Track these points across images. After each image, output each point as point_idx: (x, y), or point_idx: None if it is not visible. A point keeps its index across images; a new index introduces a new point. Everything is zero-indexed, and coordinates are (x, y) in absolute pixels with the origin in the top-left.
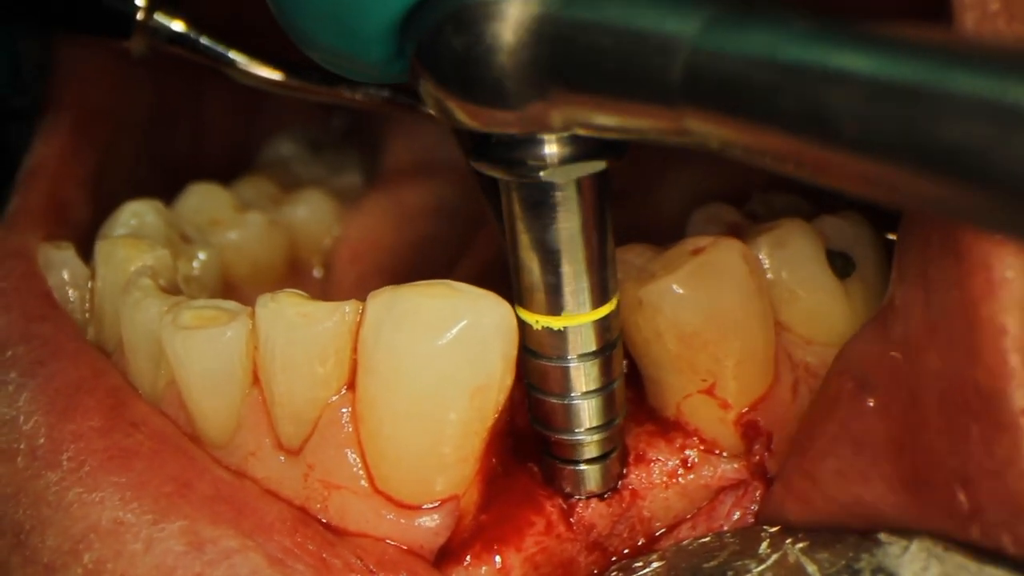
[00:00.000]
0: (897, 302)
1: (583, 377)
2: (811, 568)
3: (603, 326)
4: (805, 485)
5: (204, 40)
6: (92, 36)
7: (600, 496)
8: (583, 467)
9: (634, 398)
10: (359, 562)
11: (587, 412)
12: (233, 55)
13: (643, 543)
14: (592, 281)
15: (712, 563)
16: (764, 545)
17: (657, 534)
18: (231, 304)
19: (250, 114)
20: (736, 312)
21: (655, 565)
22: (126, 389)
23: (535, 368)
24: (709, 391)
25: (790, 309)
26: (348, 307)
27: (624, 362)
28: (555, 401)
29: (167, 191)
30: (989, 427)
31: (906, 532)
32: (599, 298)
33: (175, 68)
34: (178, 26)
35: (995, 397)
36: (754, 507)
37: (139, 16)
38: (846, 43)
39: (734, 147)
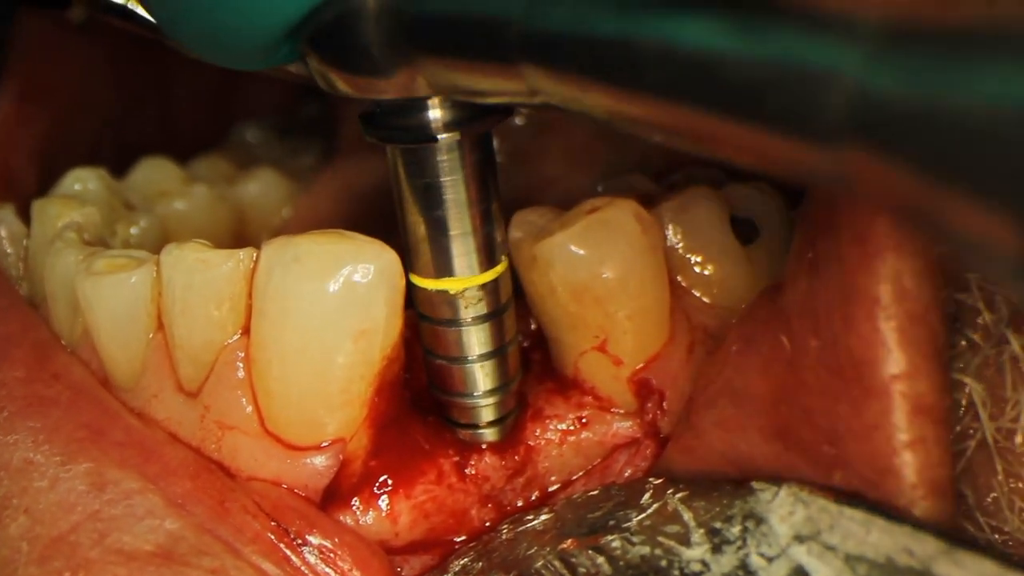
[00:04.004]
0: (787, 271)
1: (475, 340)
2: (687, 515)
3: (492, 290)
4: (689, 436)
5: (140, 10)
6: (34, 5)
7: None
8: (482, 431)
9: (541, 360)
10: (255, 506)
11: (481, 375)
12: None
13: (537, 498)
14: (479, 244)
15: (597, 513)
16: (647, 496)
17: (551, 490)
18: (142, 253)
19: (219, 103)
20: (626, 269)
21: (544, 517)
22: (52, 342)
23: (428, 331)
24: (602, 348)
25: (690, 272)
26: (243, 253)
27: (532, 327)
28: (450, 365)
29: None
30: (860, 392)
31: (776, 480)
32: (487, 261)
33: (141, 55)
34: None
35: (866, 364)
36: (646, 464)
37: None
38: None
39: (577, 106)
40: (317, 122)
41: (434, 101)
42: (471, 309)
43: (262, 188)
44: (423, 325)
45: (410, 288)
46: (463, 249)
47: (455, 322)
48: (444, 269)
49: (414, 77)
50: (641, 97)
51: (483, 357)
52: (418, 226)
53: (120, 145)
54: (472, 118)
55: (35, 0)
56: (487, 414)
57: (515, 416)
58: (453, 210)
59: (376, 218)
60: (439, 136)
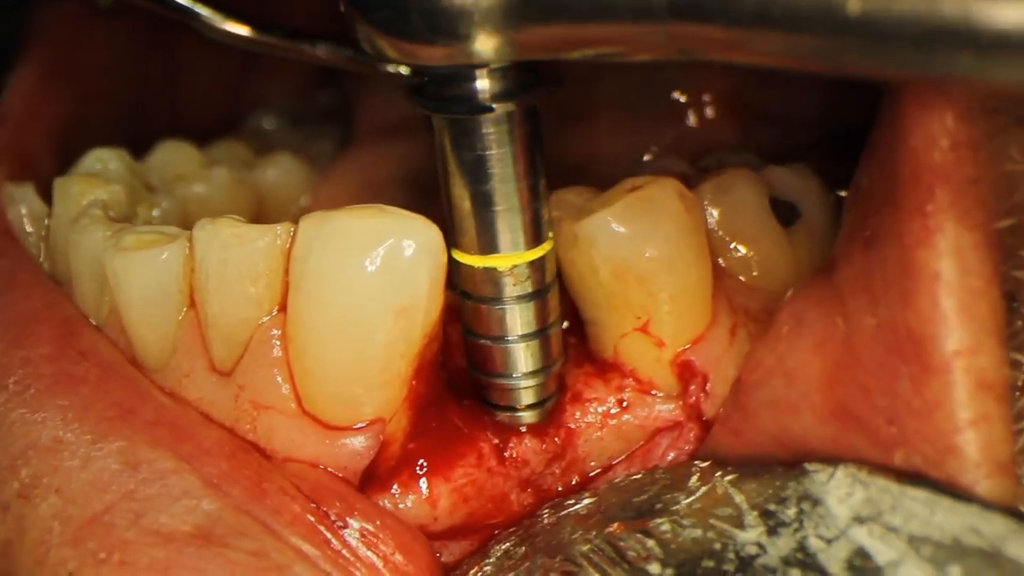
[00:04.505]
0: (840, 249)
1: (518, 319)
2: (739, 498)
3: (538, 267)
4: (737, 418)
5: None
6: None
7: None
8: (520, 414)
9: (576, 343)
10: (294, 488)
11: (523, 356)
12: (199, 8)
13: (577, 483)
14: (525, 220)
15: (642, 497)
16: (694, 479)
17: (592, 474)
18: (173, 229)
19: (234, 91)
20: (670, 248)
21: (586, 501)
22: (78, 319)
23: (470, 310)
24: (644, 329)
25: (731, 253)
26: (280, 228)
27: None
28: (491, 344)
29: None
30: (920, 369)
31: (832, 461)
32: (533, 238)
33: (156, 42)
34: None
35: (927, 341)
36: (689, 448)
37: None
38: None
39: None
40: (332, 110)
41: (483, 72)
42: (516, 287)
43: (281, 173)
44: (465, 303)
45: (451, 266)
46: (509, 225)
47: (498, 300)
48: (489, 245)
49: (507, 42)
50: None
51: (525, 337)
52: (463, 200)
53: (135, 130)
54: (523, 89)
55: None
56: (527, 396)
57: (555, 400)
58: (500, 184)
59: (395, 206)
60: (492, 107)
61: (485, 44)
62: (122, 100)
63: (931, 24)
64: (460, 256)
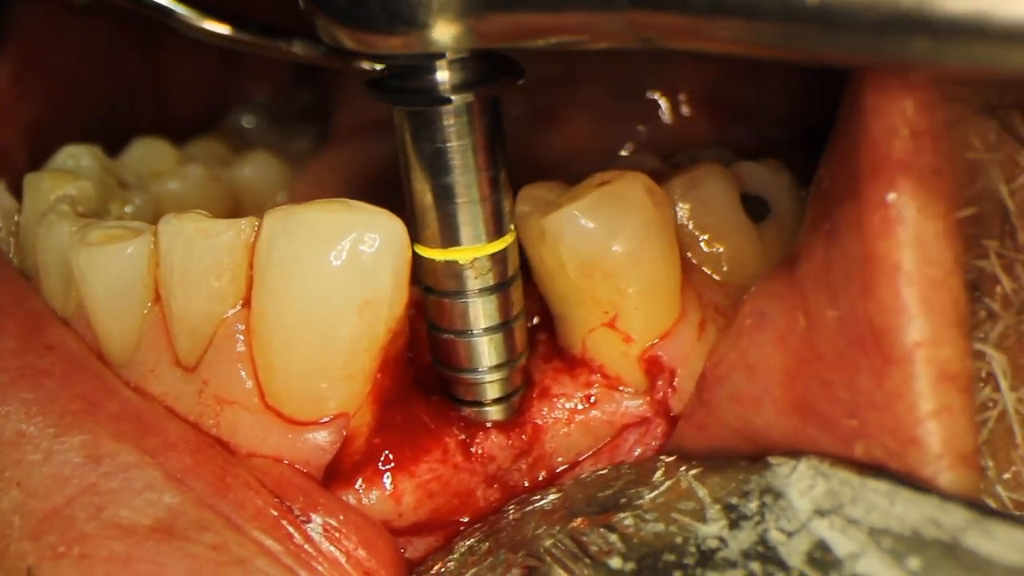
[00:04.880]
0: (801, 244)
1: (481, 313)
2: (701, 492)
3: (500, 259)
4: (701, 412)
5: None
6: None
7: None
8: (486, 409)
9: (546, 340)
10: (257, 483)
11: (487, 349)
12: (175, 7)
13: (544, 478)
14: (487, 212)
15: (607, 492)
16: (659, 474)
17: (559, 470)
18: (139, 224)
19: (214, 89)
20: (637, 242)
21: (552, 497)
22: (45, 313)
23: (433, 305)
24: (612, 324)
25: (701, 249)
26: (245, 222)
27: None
28: (454, 338)
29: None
30: (880, 361)
31: (795, 454)
32: (494, 231)
33: (136, 41)
34: None
35: (887, 332)
36: (656, 444)
37: None
38: None
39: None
40: (312, 109)
41: (441, 63)
42: (479, 280)
43: (257, 170)
44: (428, 298)
45: (414, 260)
46: (471, 217)
47: (461, 294)
48: (451, 238)
49: (465, 31)
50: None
51: (489, 331)
52: (425, 194)
53: (113, 128)
54: (482, 80)
55: None
56: (492, 391)
57: (521, 395)
58: (461, 177)
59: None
60: (450, 98)
61: (445, 32)
62: (101, 99)
63: (887, 11)
64: (422, 250)
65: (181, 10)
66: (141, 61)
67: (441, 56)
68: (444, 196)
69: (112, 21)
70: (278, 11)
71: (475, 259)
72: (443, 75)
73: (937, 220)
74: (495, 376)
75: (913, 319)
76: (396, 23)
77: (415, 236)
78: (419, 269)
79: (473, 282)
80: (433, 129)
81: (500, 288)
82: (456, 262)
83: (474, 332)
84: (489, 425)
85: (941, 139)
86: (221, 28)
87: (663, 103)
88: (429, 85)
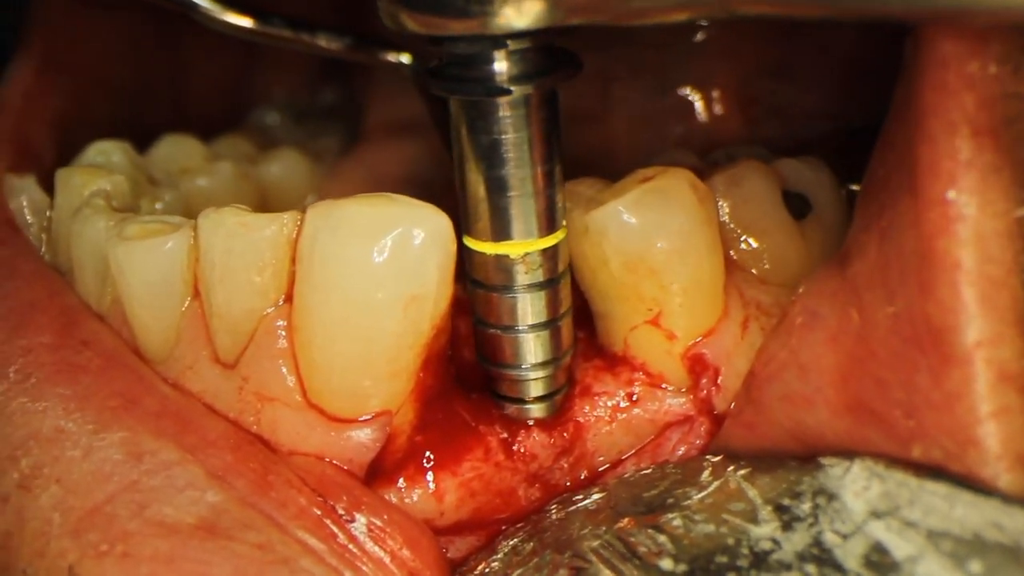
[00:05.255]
0: (854, 242)
1: (529, 309)
2: (752, 493)
3: (550, 255)
4: (750, 412)
5: None
6: None
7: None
8: (529, 407)
9: (586, 337)
10: (300, 481)
11: (533, 346)
12: (199, 0)
13: (586, 477)
14: (540, 207)
15: (653, 492)
16: (706, 474)
17: (601, 469)
18: (177, 218)
19: (235, 88)
20: (682, 239)
21: (595, 496)
22: (80, 309)
23: (481, 299)
24: (655, 322)
25: (743, 246)
26: (287, 217)
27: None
28: (500, 334)
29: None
30: (939, 361)
31: (848, 455)
32: (547, 226)
33: (160, 36)
34: None
35: (947, 331)
36: (700, 443)
37: None
38: None
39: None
40: (336, 106)
41: (501, 53)
42: (528, 276)
43: (285, 169)
44: (476, 292)
45: (462, 254)
46: (524, 212)
47: (510, 289)
48: (503, 232)
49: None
50: None
51: (536, 327)
52: (478, 186)
53: (139, 124)
54: (541, 72)
55: None
56: (536, 388)
57: (564, 393)
58: (515, 170)
59: None
60: (509, 89)
61: (523, 9)
62: (125, 94)
63: None
64: (472, 243)
65: (204, 3)
66: (166, 56)
67: (502, 46)
68: (498, 189)
69: (137, 15)
70: (302, 4)
71: (526, 254)
72: (502, 65)
73: (997, 218)
74: (540, 373)
75: (973, 318)
76: (471, 3)
77: (465, 228)
78: (468, 263)
79: (523, 277)
80: (490, 120)
81: (549, 284)
82: (507, 256)
83: (521, 328)
84: (531, 423)
85: (1001, 136)
86: (244, 21)
87: (697, 100)
88: (488, 75)
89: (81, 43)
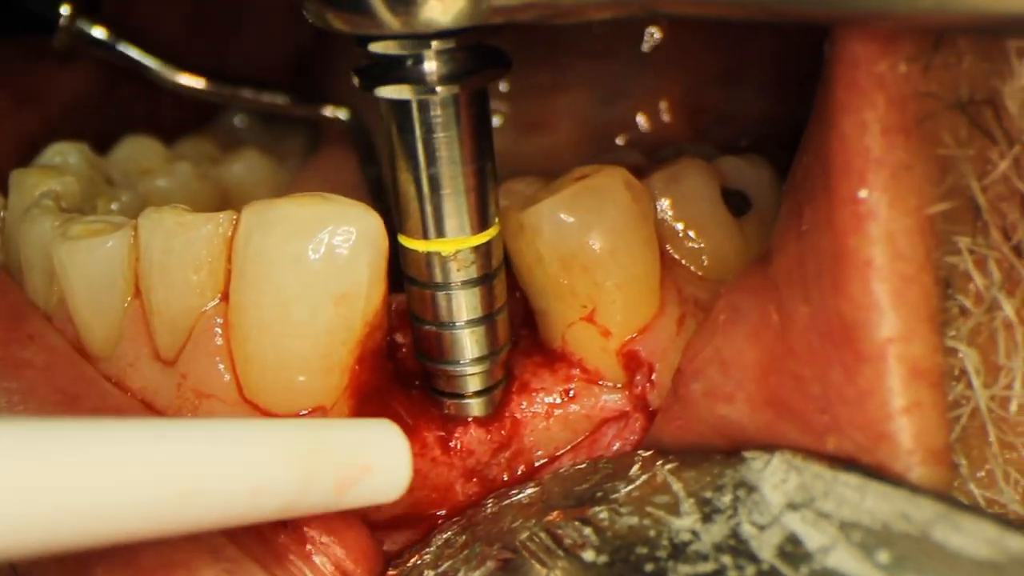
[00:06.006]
0: (776, 240)
1: (464, 305)
2: (676, 486)
3: (484, 252)
4: (678, 407)
5: (122, 47)
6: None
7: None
8: (467, 401)
9: (528, 335)
10: None
11: (469, 342)
12: (149, 61)
13: (523, 472)
14: (471, 204)
15: (584, 486)
16: (635, 468)
17: (538, 464)
18: (119, 218)
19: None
20: (616, 237)
21: (529, 491)
22: (28, 305)
23: (417, 296)
24: (590, 318)
25: (682, 243)
26: (223, 216)
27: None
28: (437, 330)
29: None
30: (852, 357)
31: (769, 448)
32: (480, 222)
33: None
34: (99, 32)
35: (859, 328)
36: (635, 438)
37: (62, 22)
38: None
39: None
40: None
41: (429, 53)
42: (462, 272)
43: (247, 169)
44: (410, 289)
45: (397, 251)
46: (455, 209)
47: (444, 286)
48: (435, 230)
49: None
50: None
51: (472, 323)
52: (409, 184)
53: (105, 128)
54: (470, 72)
55: (16, 27)
56: (474, 383)
57: (502, 388)
58: (446, 168)
59: None
60: (436, 89)
61: (446, 8)
62: (94, 109)
63: None
64: (405, 240)
65: (155, 65)
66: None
67: (427, 46)
68: (428, 187)
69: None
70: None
71: (458, 251)
72: (430, 65)
73: (908, 216)
74: (477, 369)
75: (884, 315)
76: (395, 2)
77: (399, 227)
78: (403, 260)
79: (456, 274)
80: (418, 120)
81: (483, 281)
82: (439, 253)
83: (457, 324)
84: (469, 420)
85: (912, 135)
86: (195, 82)
87: (644, 109)
88: (415, 75)
89: (44, 77)
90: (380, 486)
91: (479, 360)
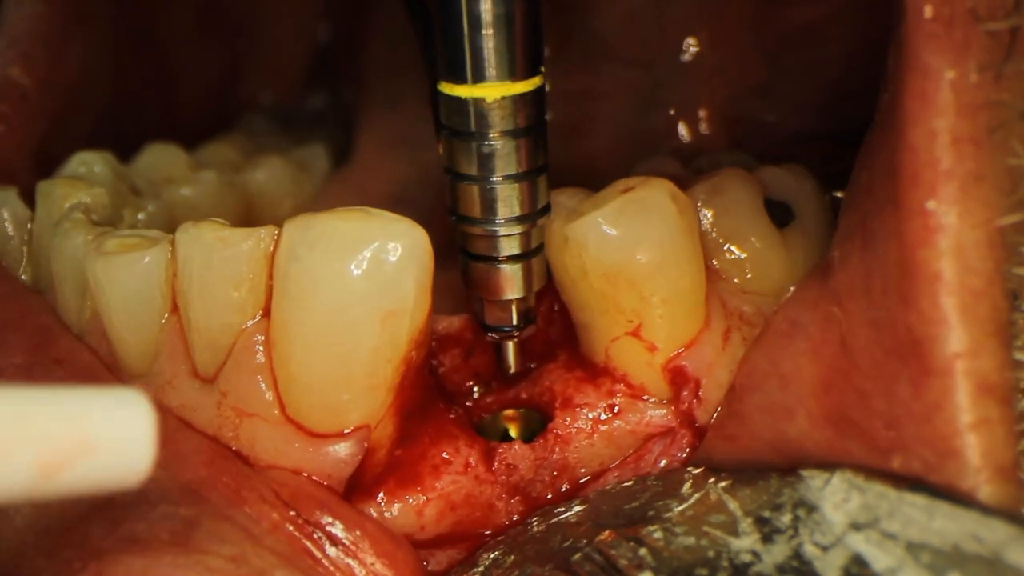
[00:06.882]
0: (836, 252)
1: (504, 157)
2: (732, 505)
3: (527, 102)
4: (731, 423)
5: None
6: None
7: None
8: (501, 266)
9: (568, 349)
10: (273, 495)
11: (506, 198)
12: None
13: (567, 490)
14: (519, 49)
15: (634, 504)
16: (687, 486)
17: (582, 481)
18: (155, 232)
19: (222, 95)
20: (662, 250)
21: (577, 509)
22: (55, 327)
23: (455, 148)
24: (635, 333)
25: (725, 256)
26: (264, 232)
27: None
28: (474, 186)
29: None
30: (919, 372)
31: (828, 466)
32: (525, 69)
33: (143, 46)
34: None
35: (927, 342)
36: (682, 455)
37: None
38: None
39: None
40: (322, 112)
41: None
42: (503, 121)
43: (269, 176)
44: (450, 141)
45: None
46: (502, 53)
47: (484, 136)
48: (479, 73)
49: None
50: None
51: (509, 179)
52: (457, 29)
53: (123, 133)
54: None
55: None
56: (509, 246)
57: (537, 260)
58: (496, 7)
59: None
60: None
61: None
62: (106, 106)
63: None
64: (449, 88)
65: None
66: (146, 65)
67: None
68: (477, 29)
69: (116, 27)
70: None
71: (504, 97)
72: None
73: (978, 228)
74: (513, 229)
75: (953, 329)
76: None
77: (442, 73)
78: (441, 110)
79: (497, 123)
80: None
81: (525, 133)
82: (486, 100)
83: (494, 179)
84: (512, 436)
85: (983, 145)
86: None
87: (682, 119)
88: None
89: (62, 59)
90: (110, 467)
91: (515, 220)
